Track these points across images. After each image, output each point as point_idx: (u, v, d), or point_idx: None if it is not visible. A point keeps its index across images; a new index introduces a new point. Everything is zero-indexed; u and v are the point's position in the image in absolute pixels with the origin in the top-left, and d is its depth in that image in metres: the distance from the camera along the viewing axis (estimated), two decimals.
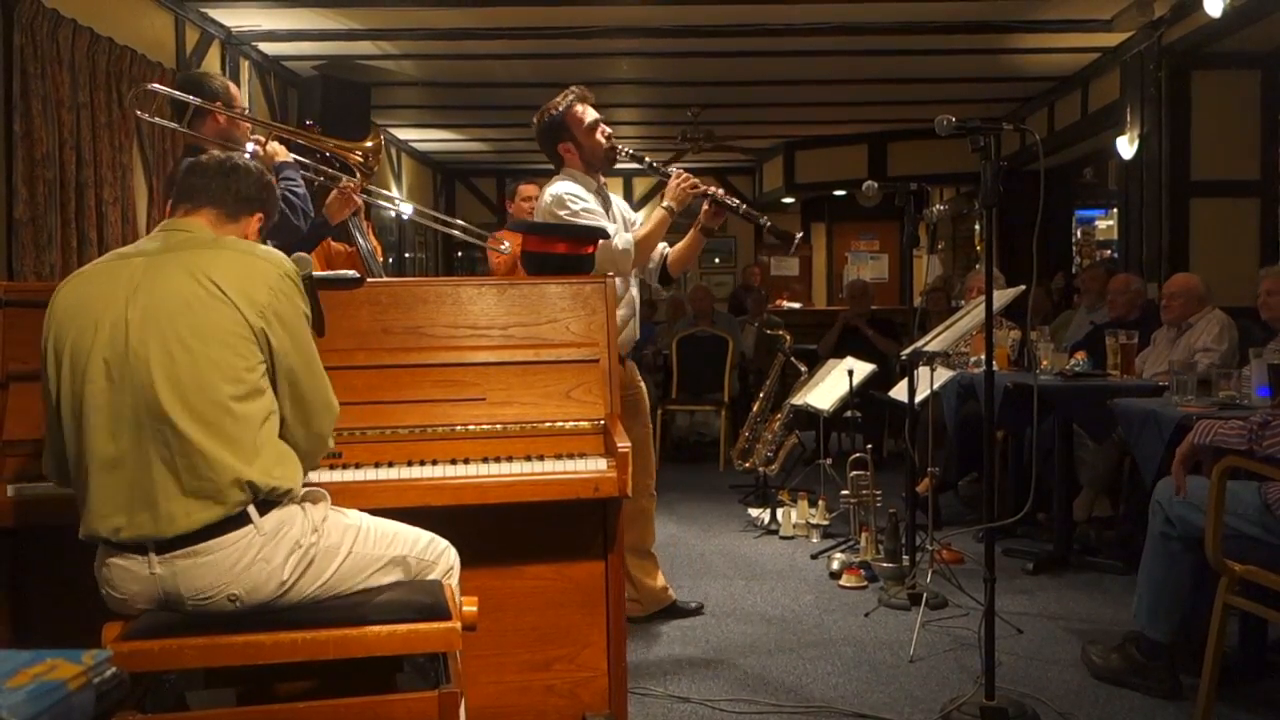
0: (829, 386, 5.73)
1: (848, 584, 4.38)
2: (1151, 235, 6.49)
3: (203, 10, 5.91)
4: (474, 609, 2.15)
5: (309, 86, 7.23)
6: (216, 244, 2.09)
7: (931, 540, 4.24)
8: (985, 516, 3.12)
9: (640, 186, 12.26)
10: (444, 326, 2.76)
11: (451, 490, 2.47)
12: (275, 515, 2.01)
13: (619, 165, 3.72)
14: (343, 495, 2.34)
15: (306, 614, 2.05)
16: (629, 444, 2.54)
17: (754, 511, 5.75)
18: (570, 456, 2.58)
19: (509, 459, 2.56)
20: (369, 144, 3.45)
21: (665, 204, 3.58)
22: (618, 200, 3.80)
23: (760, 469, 6.01)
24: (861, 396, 5.91)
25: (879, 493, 4.90)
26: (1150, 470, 3.50)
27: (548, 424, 2.67)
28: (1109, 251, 9.43)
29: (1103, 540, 4.88)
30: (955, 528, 5.20)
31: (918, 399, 4.46)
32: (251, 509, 1.98)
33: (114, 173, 4.83)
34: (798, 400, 5.89)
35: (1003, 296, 4.28)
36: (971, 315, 4.28)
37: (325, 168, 3.49)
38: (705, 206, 3.64)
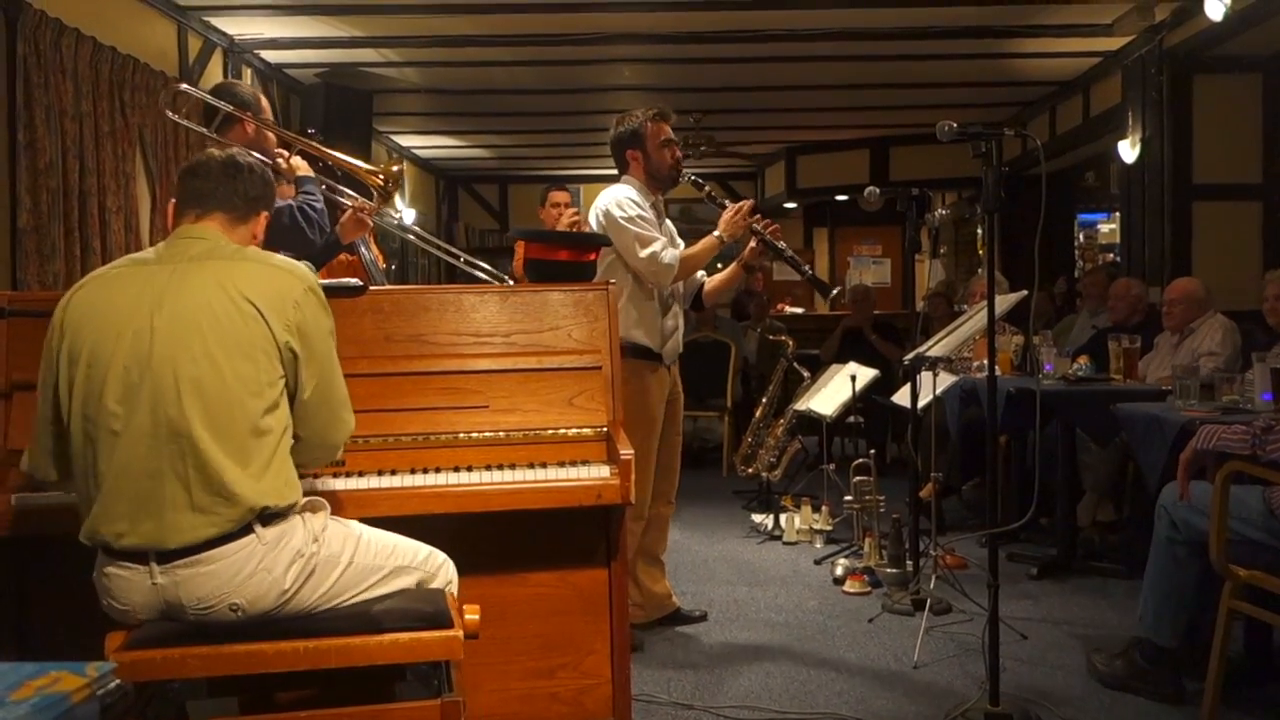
0: (832, 392, 5.73)
1: (851, 590, 4.38)
2: (1153, 239, 6.48)
3: (205, 19, 5.92)
4: (476, 617, 2.15)
5: (311, 94, 7.24)
6: (242, 256, 2.09)
7: (935, 545, 4.24)
8: (989, 521, 3.11)
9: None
10: (446, 334, 2.76)
11: (454, 498, 2.47)
12: (277, 527, 2.02)
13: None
14: (346, 503, 2.34)
15: (309, 623, 2.05)
16: (631, 451, 2.55)
17: (757, 517, 5.75)
18: (573, 464, 2.58)
19: (512, 466, 2.56)
20: (395, 169, 3.44)
21: (717, 233, 3.71)
22: (668, 222, 3.88)
23: (763, 474, 6.01)
24: (864, 402, 5.90)
25: (882, 498, 4.89)
26: (1154, 475, 3.49)
27: (550, 431, 2.67)
28: (1111, 255, 9.43)
29: (1106, 545, 4.88)
30: (959, 533, 5.20)
31: (920, 404, 4.45)
32: (255, 522, 1.99)
33: (117, 181, 4.84)
34: (800, 405, 5.88)
35: (1005, 301, 4.27)
36: (974, 320, 4.27)
37: (344, 188, 3.49)
38: (752, 243, 3.75)
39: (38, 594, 2.52)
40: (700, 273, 3.93)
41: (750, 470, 6.10)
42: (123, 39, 4.99)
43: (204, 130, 3.21)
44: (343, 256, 3.79)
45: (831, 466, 5.62)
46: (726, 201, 3.77)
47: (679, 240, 3.87)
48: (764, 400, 6.46)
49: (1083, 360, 4.83)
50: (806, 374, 6.49)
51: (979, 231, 10.31)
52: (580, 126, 8.84)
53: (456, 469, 2.54)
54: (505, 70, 7.24)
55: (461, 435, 2.62)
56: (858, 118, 9.08)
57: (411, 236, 4.09)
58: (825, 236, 12.98)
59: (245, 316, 1.99)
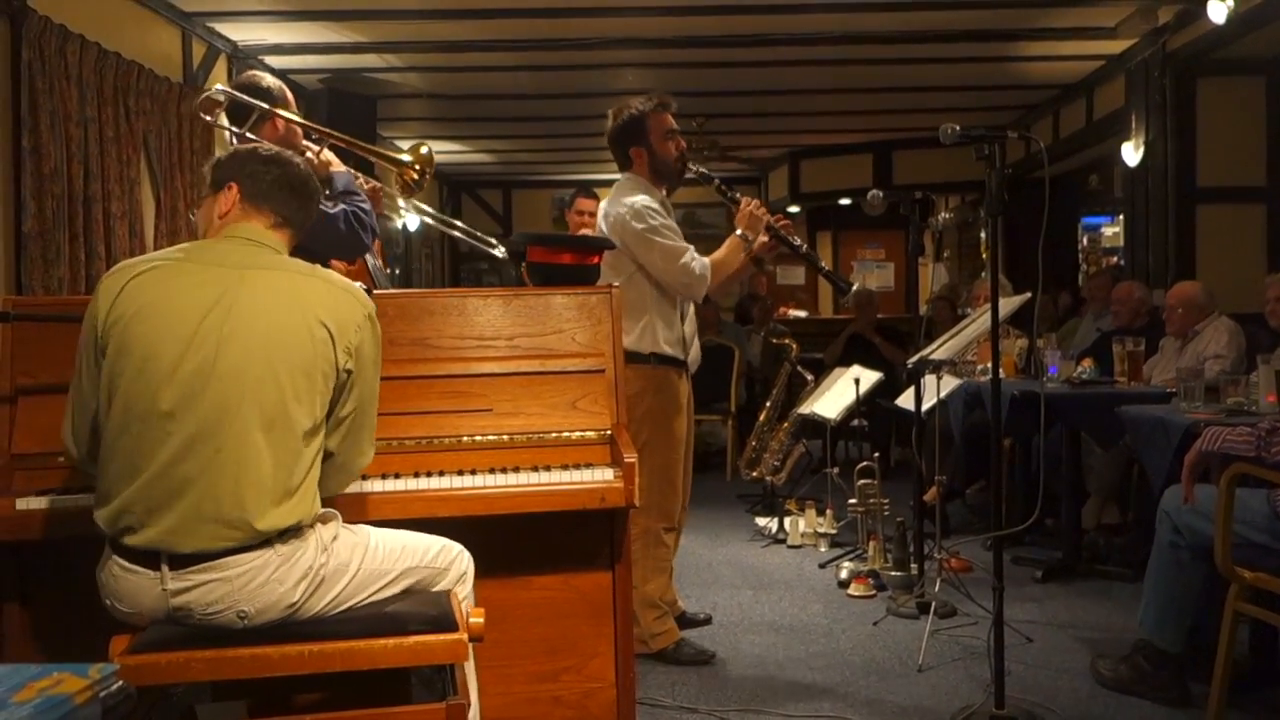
0: (836, 395, 5.73)
1: (856, 593, 4.37)
2: (1157, 242, 6.47)
3: (210, 25, 5.94)
4: (481, 620, 2.15)
5: (315, 99, 7.26)
6: (312, 273, 2.09)
7: (939, 549, 4.23)
8: (993, 525, 3.11)
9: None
10: (450, 338, 2.76)
11: (458, 501, 2.46)
12: (292, 542, 2.02)
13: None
14: (350, 507, 2.34)
15: (313, 627, 2.05)
16: (635, 454, 2.54)
17: (761, 521, 5.74)
18: (576, 467, 2.57)
19: (515, 470, 2.56)
20: (423, 151, 3.35)
21: (739, 232, 3.57)
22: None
23: (767, 478, 6.00)
24: (868, 405, 5.90)
25: (886, 501, 4.89)
26: (1158, 478, 3.49)
27: (554, 434, 2.67)
28: (1115, 258, 9.41)
29: (1112, 548, 4.87)
30: (963, 536, 5.19)
31: (924, 407, 4.45)
32: (275, 539, 1.99)
33: (121, 187, 4.85)
34: (804, 409, 5.88)
35: (1009, 304, 4.27)
36: (978, 323, 4.27)
37: (372, 179, 3.45)
38: (764, 238, 3.59)
39: (41, 596, 2.52)
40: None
41: (754, 474, 6.10)
42: (127, 45, 5.00)
43: (236, 130, 3.14)
44: (341, 263, 3.78)
45: (835, 470, 5.61)
46: (738, 195, 3.65)
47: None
48: (768, 404, 6.46)
49: (1087, 363, 4.82)
50: (810, 377, 6.49)
51: (982, 235, 10.30)
52: (583, 131, 8.84)
53: (460, 472, 2.54)
54: (508, 75, 7.25)
55: (465, 439, 2.62)
56: (861, 121, 9.08)
57: (429, 220, 4.01)
58: (829, 240, 12.99)
59: (316, 340, 2.00)
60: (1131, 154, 6.63)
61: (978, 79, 7.51)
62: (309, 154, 3.26)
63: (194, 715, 2.24)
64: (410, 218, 9.77)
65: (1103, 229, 10.35)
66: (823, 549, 5.19)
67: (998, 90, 7.92)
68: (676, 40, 6.42)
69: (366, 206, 3.19)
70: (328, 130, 3.32)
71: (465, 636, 2.09)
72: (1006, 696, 2.96)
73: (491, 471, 2.54)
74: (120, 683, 1.26)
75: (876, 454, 5.06)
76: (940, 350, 4.23)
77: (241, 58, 6.40)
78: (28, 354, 2.51)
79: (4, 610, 2.50)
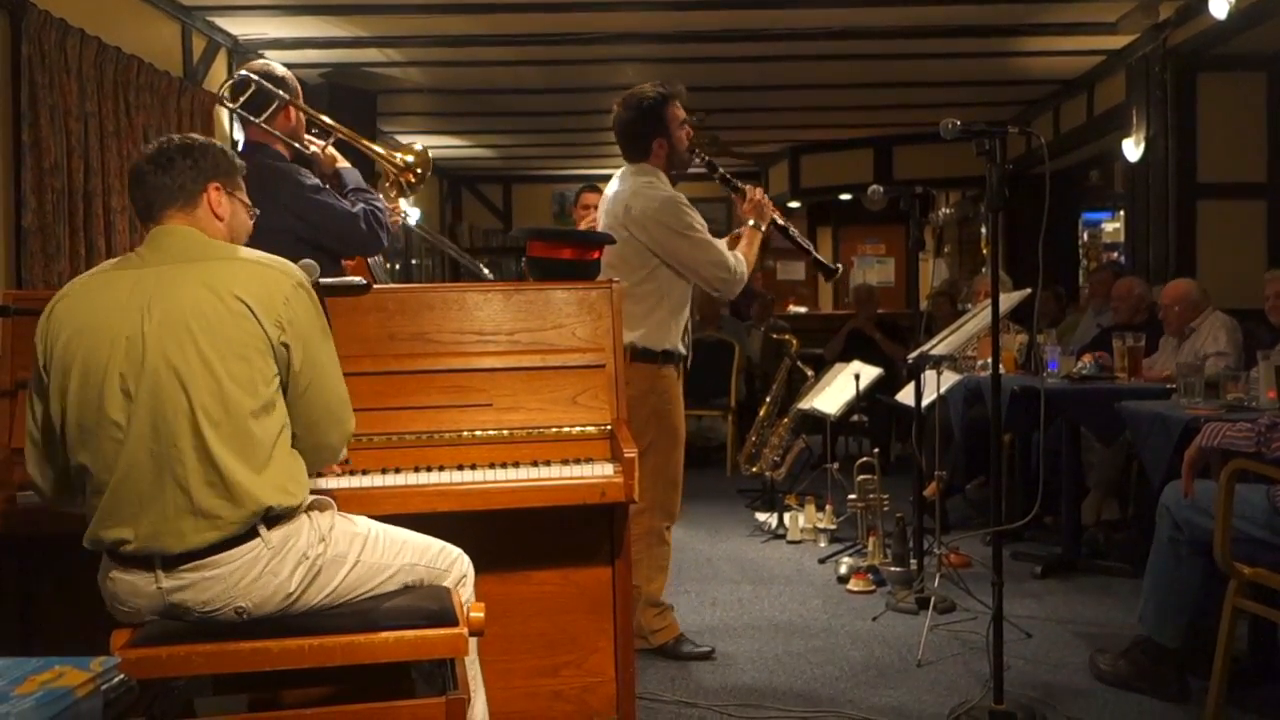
0: (835, 391, 5.73)
1: (855, 588, 4.37)
2: (1158, 238, 6.47)
3: (210, 19, 5.93)
4: (481, 615, 2.15)
5: (315, 94, 7.23)
6: (230, 254, 2.07)
7: (939, 544, 4.24)
8: (993, 520, 3.11)
9: None
10: (450, 333, 2.76)
11: (458, 496, 2.47)
12: (283, 529, 2.01)
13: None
14: (350, 501, 2.34)
15: (314, 620, 2.05)
16: (635, 449, 2.54)
17: (761, 516, 5.75)
18: (577, 462, 2.58)
19: (515, 464, 2.57)
20: (418, 148, 3.33)
21: (752, 223, 3.56)
22: None
23: (767, 473, 6.01)
24: (868, 400, 5.90)
25: (886, 497, 4.90)
26: (1158, 473, 3.49)
27: (554, 429, 2.67)
28: (1115, 254, 9.41)
29: (1111, 543, 4.87)
30: (963, 531, 5.19)
31: (924, 403, 4.45)
32: (260, 525, 1.98)
33: (121, 181, 4.85)
34: (804, 405, 5.88)
35: (1009, 300, 4.27)
36: (978, 319, 4.27)
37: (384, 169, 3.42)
38: (763, 225, 3.62)
39: (42, 590, 2.52)
40: None
41: (754, 469, 6.10)
42: (127, 39, 5.00)
43: (251, 118, 3.13)
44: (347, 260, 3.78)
45: (835, 465, 5.61)
46: (740, 184, 3.61)
47: None
48: (768, 399, 6.46)
49: (1087, 359, 4.82)
50: (810, 373, 6.49)
51: (983, 230, 10.30)
52: (584, 126, 8.83)
53: (460, 467, 2.54)
54: (509, 70, 7.25)
55: (465, 433, 2.63)
56: (861, 117, 9.07)
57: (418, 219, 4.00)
58: (829, 236, 12.99)
59: (236, 315, 1.97)
60: (1132, 149, 6.63)
61: (979, 74, 7.51)
62: (314, 148, 3.25)
63: (195, 709, 2.24)
64: (412, 212, 9.77)
65: (1103, 224, 10.34)
66: (822, 544, 5.19)
67: (998, 85, 7.92)
68: (677, 35, 6.42)
69: (382, 205, 3.18)
70: (332, 123, 3.30)
71: (465, 631, 2.10)
72: (1005, 692, 2.96)
73: (491, 466, 2.55)
74: (121, 676, 1.26)
75: (876, 449, 5.07)
76: (940, 346, 4.23)
77: (242, 52, 6.39)
78: (27, 349, 2.49)
79: (5, 603, 2.51)
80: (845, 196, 11.00)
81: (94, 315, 1.99)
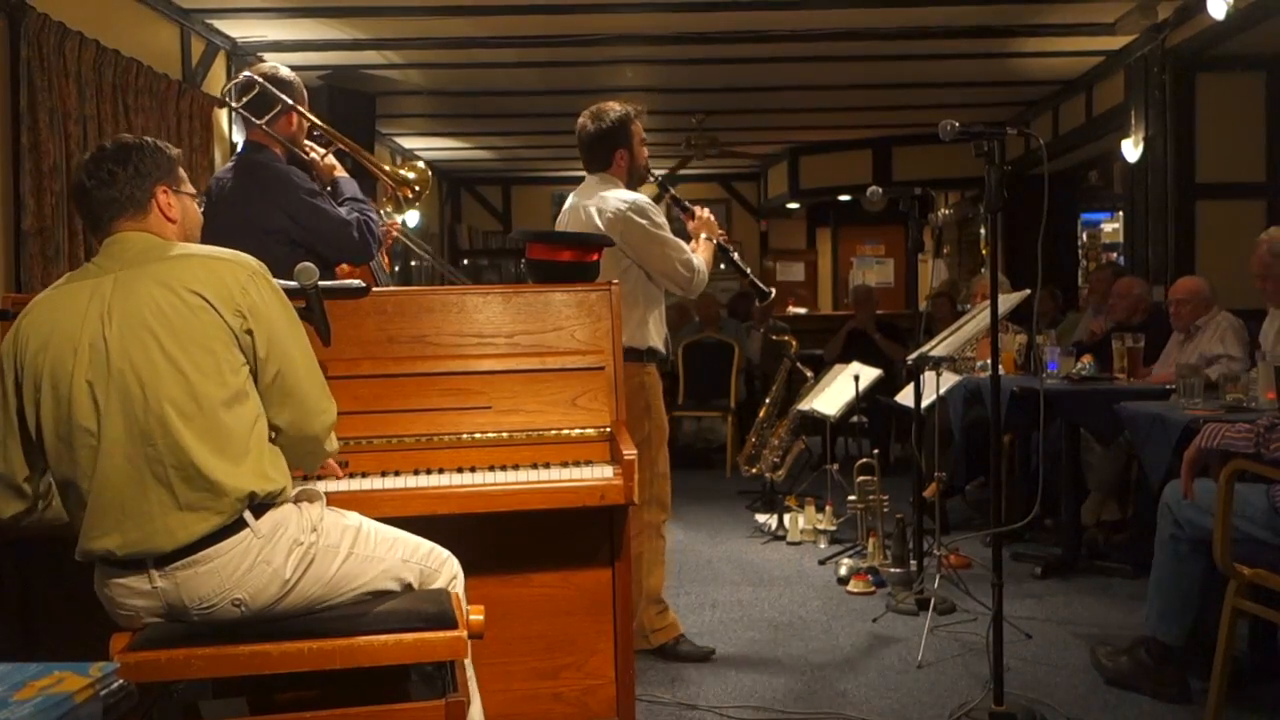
0: (835, 392, 5.73)
1: (855, 589, 4.37)
2: (1157, 238, 6.47)
3: (209, 21, 5.93)
4: (480, 617, 2.15)
5: (314, 96, 7.21)
6: (183, 252, 2.07)
7: (939, 545, 4.24)
8: (993, 521, 3.11)
9: None
10: (449, 335, 2.76)
11: (458, 498, 2.47)
12: (270, 517, 2.02)
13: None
14: (349, 504, 2.34)
15: (313, 623, 2.06)
16: (635, 451, 2.54)
17: (761, 517, 5.75)
18: (576, 464, 2.58)
19: (515, 467, 2.57)
20: (420, 166, 3.39)
21: (705, 236, 3.72)
22: None
23: (767, 475, 6.01)
24: (868, 401, 5.90)
25: (886, 498, 4.90)
26: (1157, 474, 3.49)
27: (553, 432, 2.67)
28: (1115, 255, 9.41)
29: (1111, 544, 4.87)
30: (963, 532, 5.19)
31: (924, 404, 4.45)
32: (247, 514, 1.99)
33: None
34: (804, 406, 5.88)
35: (1008, 300, 4.27)
36: (977, 319, 4.27)
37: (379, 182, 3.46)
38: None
39: (42, 595, 2.52)
40: None
41: (754, 470, 6.10)
42: (126, 42, 4.99)
43: (254, 120, 3.15)
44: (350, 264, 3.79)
45: (835, 466, 5.62)
46: (688, 204, 3.76)
47: None
48: (767, 400, 6.46)
49: (1086, 359, 4.82)
50: (810, 374, 6.49)
51: (982, 231, 10.30)
52: None
53: (460, 470, 2.54)
54: (508, 72, 7.25)
55: (465, 436, 2.63)
56: (860, 118, 9.07)
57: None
58: (828, 237, 12.99)
59: (193, 308, 1.98)
60: (1131, 150, 6.63)
61: (978, 75, 7.51)
62: (314, 156, 3.27)
63: (195, 712, 2.24)
64: (410, 215, 9.77)
65: (1102, 225, 10.34)
66: (822, 545, 5.19)
67: (997, 86, 7.91)
68: (676, 36, 6.41)
69: (375, 215, 3.22)
70: (334, 133, 3.33)
71: (465, 634, 2.10)
72: (1005, 693, 2.96)
73: (491, 469, 2.55)
74: (120, 681, 1.26)
75: (876, 450, 5.07)
76: (940, 347, 4.23)
77: (241, 55, 6.39)
78: None
79: (5, 609, 2.50)
80: (844, 197, 11.00)
81: (56, 327, 1.99)
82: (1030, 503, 4.73)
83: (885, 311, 8.50)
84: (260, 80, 3.12)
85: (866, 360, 5.96)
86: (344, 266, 3.58)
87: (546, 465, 2.58)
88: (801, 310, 11.20)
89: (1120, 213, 8.67)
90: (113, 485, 1.95)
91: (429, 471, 2.53)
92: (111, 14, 5.02)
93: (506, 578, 2.70)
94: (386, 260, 3.97)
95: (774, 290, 4.04)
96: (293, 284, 2.29)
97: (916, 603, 4.03)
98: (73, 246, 4.50)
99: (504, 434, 2.65)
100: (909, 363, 4.38)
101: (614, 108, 3.64)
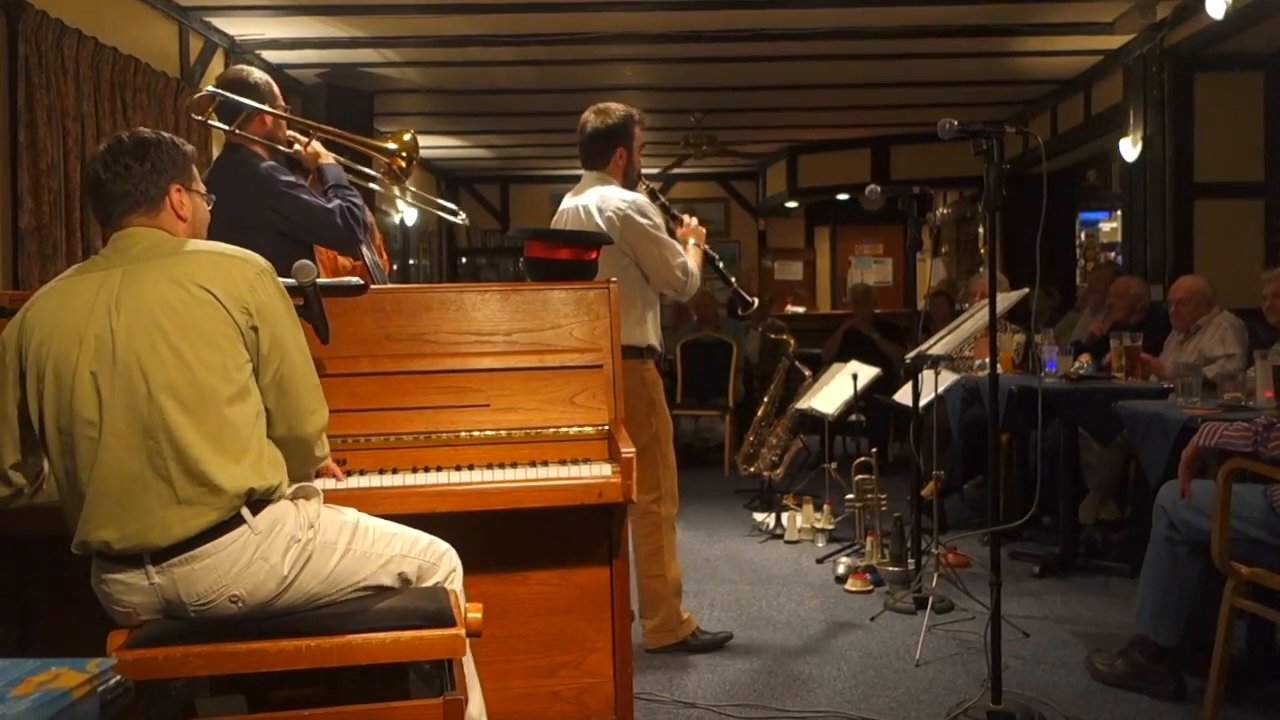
0: (833, 391, 5.73)
1: (853, 588, 4.37)
2: (1155, 237, 6.48)
3: (207, 19, 5.93)
4: (479, 615, 2.15)
5: (313, 94, 7.25)
6: (192, 248, 2.07)
7: (937, 544, 4.24)
8: (991, 520, 3.11)
9: None
10: (448, 333, 2.76)
11: (456, 496, 2.47)
12: (267, 513, 2.02)
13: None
14: (347, 501, 2.34)
15: (312, 621, 2.05)
16: (633, 449, 2.54)
17: (759, 516, 5.75)
18: (574, 462, 2.58)
19: (513, 465, 2.56)
20: (407, 138, 3.36)
21: (693, 242, 3.75)
22: None
23: (765, 474, 6.01)
24: (866, 400, 5.90)
25: (884, 497, 4.90)
26: (1155, 473, 3.49)
27: (552, 430, 2.67)
28: (1113, 254, 9.42)
29: (1109, 543, 4.87)
30: (961, 531, 5.19)
31: (922, 403, 4.45)
32: (245, 510, 1.99)
33: None
34: (802, 405, 5.88)
35: (1006, 299, 4.27)
36: (975, 318, 4.27)
37: (361, 168, 3.45)
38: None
39: (40, 591, 2.52)
40: None
41: (752, 469, 6.10)
42: (124, 40, 4.99)
43: (225, 128, 3.19)
44: (347, 262, 3.78)
45: (833, 465, 5.61)
46: (677, 212, 3.78)
47: None
48: (766, 399, 6.46)
49: (1084, 358, 4.82)
50: (808, 373, 6.49)
51: (980, 230, 10.29)
52: None
53: (458, 468, 2.54)
54: (506, 70, 7.24)
55: (463, 434, 2.63)
56: (859, 117, 9.08)
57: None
58: (827, 236, 13.00)
59: (202, 304, 1.98)
60: (1129, 149, 6.63)
61: (976, 74, 7.51)
62: (297, 146, 3.29)
63: (193, 709, 2.24)
64: (408, 213, 9.77)
65: (1100, 224, 10.36)
66: (820, 544, 5.20)
67: (996, 85, 7.92)
68: (674, 35, 6.42)
69: (359, 201, 3.23)
70: (312, 122, 3.35)
71: (463, 632, 2.09)
72: (1003, 691, 2.96)
73: (489, 467, 2.55)
74: (118, 677, 1.25)
75: (874, 449, 5.07)
76: (938, 346, 4.23)
77: (239, 52, 6.39)
78: None
79: (2, 604, 2.50)
80: (843, 196, 11.01)
81: (62, 318, 1.99)
82: (1028, 502, 4.73)
83: (883, 310, 8.50)
84: (220, 92, 3.17)
85: (865, 359, 5.96)
86: (344, 263, 3.58)
87: (545, 463, 2.58)
88: (800, 309, 11.19)
89: (1118, 212, 8.68)
90: (112, 477, 1.94)
91: (427, 469, 2.53)
92: (110, 11, 5.02)
93: (505, 576, 2.70)
94: (385, 259, 3.97)
95: (757, 300, 4.07)
96: (291, 281, 2.30)
97: (914, 601, 4.03)
98: (70, 245, 4.50)
99: (502, 432, 2.65)
100: (907, 362, 4.38)
101: (619, 107, 3.67)
